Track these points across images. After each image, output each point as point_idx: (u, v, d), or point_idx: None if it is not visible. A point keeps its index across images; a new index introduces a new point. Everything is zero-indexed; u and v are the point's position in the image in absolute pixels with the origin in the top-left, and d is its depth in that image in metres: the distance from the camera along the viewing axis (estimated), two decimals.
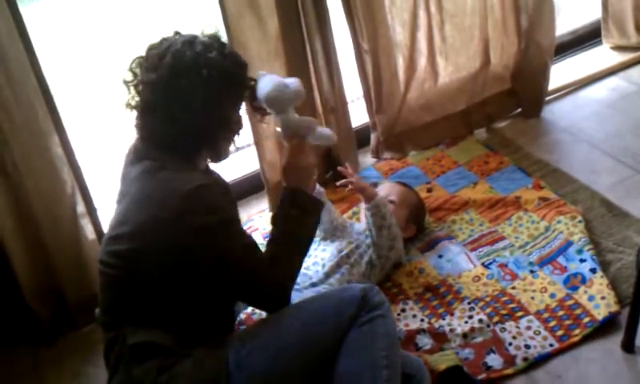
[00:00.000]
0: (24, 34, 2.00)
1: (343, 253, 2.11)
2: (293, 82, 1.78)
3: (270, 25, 2.32)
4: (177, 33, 1.69)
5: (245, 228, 2.47)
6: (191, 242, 1.55)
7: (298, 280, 2.01)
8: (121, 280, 1.62)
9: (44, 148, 2.10)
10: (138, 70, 1.66)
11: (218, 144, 1.75)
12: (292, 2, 2.31)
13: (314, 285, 2.04)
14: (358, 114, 2.79)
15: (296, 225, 1.73)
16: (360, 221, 2.35)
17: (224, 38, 1.76)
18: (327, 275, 2.07)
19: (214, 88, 1.61)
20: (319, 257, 2.14)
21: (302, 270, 2.07)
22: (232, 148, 1.80)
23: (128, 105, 1.69)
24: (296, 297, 1.94)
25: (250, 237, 1.69)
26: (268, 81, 1.76)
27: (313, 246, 2.26)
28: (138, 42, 1.72)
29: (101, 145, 3.08)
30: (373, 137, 2.78)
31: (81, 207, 2.25)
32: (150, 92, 1.63)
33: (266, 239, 1.75)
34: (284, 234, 1.72)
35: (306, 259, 2.12)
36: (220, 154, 1.78)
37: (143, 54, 1.67)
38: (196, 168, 1.70)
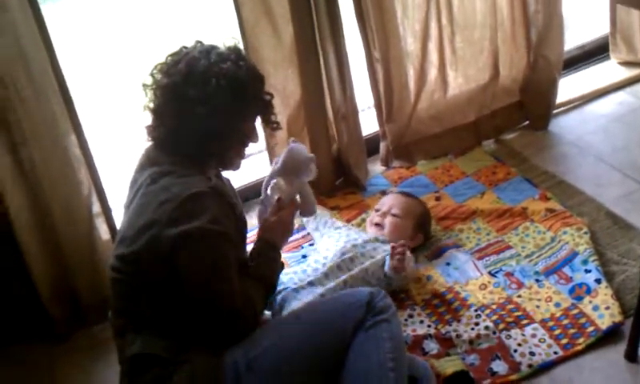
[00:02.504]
0: (45, 34, 2.03)
1: (346, 256, 2.12)
2: (313, 157, 2.00)
3: (284, 32, 2.36)
4: (198, 42, 1.73)
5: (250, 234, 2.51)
6: (176, 247, 1.56)
7: (296, 278, 2.07)
8: (124, 284, 1.65)
9: (62, 148, 2.13)
10: (157, 75, 1.71)
11: (227, 154, 1.77)
12: (306, 11, 2.35)
13: (311, 283, 2.05)
14: (369, 123, 2.82)
15: (273, 273, 1.84)
16: (367, 229, 2.37)
17: (243, 50, 1.80)
18: (326, 276, 2.07)
19: (222, 98, 1.63)
20: (322, 255, 2.16)
21: (302, 267, 2.12)
22: (243, 159, 1.83)
23: (145, 107, 1.73)
24: (293, 296, 2.00)
25: (235, 260, 1.68)
26: (297, 145, 1.99)
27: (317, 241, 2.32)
28: (157, 46, 1.77)
29: (118, 144, 3.12)
30: (382, 145, 2.81)
31: (96, 207, 2.28)
32: (162, 97, 1.68)
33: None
34: (263, 274, 1.79)
35: (308, 256, 2.17)
36: (228, 164, 1.81)
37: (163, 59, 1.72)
38: (203, 174, 1.71)
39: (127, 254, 1.62)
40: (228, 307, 1.63)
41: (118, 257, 1.65)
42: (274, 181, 1.97)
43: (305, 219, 2.46)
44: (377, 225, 2.32)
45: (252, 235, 2.50)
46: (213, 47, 1.70)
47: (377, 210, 2.37)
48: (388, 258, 2.10)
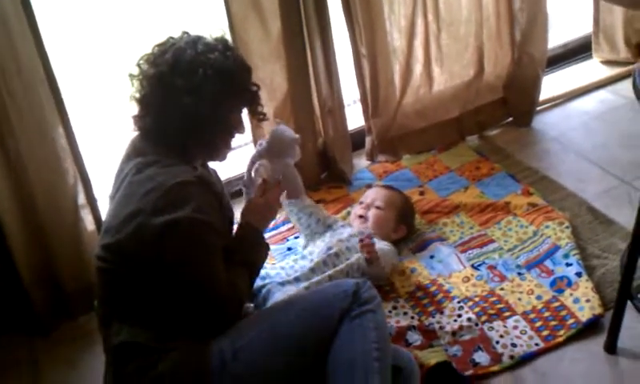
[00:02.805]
0: (34, 25, 2.02)
1: (332, 251, 2.14)
2: (298, 138, 2.03)
3: (272, 26, 2.37)
4: (184, 33, 1.73)
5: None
6: (161, 236, 1.56)
7: (283, 273, 2.08)
8: (109, 273, 1.65)
9: (49, 138, 2.12)
10: (144, 65, 1.71)
11: (214, 144, 1.77)
12: (295, 6, 2.36)
13: (297, 279, 2.06)
14: (354, 117, 2.84)
15: (257, 256, 1.84)
16: (351, 222, 2.39)
17: (230, 41, 1.80)
18: (312, 271, 2.08)
19: (209, 88, 1.63)
20: (308, 252, 2.18)
21: (289, 264, 2.14)
22: (229, 150, 1.83)
23: (131, 97, 1.73)
24: (278, 291, 2.00)
25: (221, 251, 1.68)
26: (282, 127, 2.02)
27: (302, 247, 2.33)
28: (143, 38, 1.77)
29: (104, 134, 3.10)
30: (368, 140, 2.83)
31: (82, 197, 2.27)
32: (148, 86, 1.68)
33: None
34: (247, 259, 1.79)
35: (296, 256, 2.19)
36: (214, 155, 1.81)
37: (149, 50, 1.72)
38: (189, 164, 1.71)
39: (112, 243, 1.62)
40: (213, 295, 1.63)
41: (103, 246, 1.65)
42: (260, 162, 1.98)
43: (301, 221, 2.39)
44: (360, 217, 2.34)
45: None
46: (200, 37, 1.70)
47: (361, 203, 2.40)
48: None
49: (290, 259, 2.20)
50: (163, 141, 1.69)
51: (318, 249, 2.18)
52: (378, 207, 2.33)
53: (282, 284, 2.04)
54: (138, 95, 1.71)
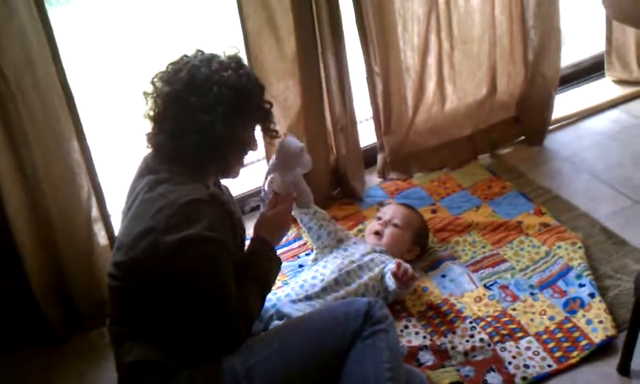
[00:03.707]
0: (51, 39, 2.04)
1: (344, 271, 2.13)
2: (303, 146, 2.04)
3: (287, 44, 2.38)
4: (198, 51, 1.75)
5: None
6: (173, 253, 1.57)
7: (294, 294, 2.06)
8: (121, 291, 1.66)
9: (64, 153, 2.14)
10: (158, 83, 1.72)
11: (227, 161, 1.78)
12: (309, 24, 2.37)
13: (308, 298, 2.05)
14: (367, 134, 2.84)
15: (268, 271, 1.83)
16: (366, 238, 2.38)
17: (244, 59, 1.80)
18: (324, 290, 2.07)
19: (223, 106, 1.64)
20: (319, 272, 2.16)
21: (300, 282, 2.12)
22: (242, 167, 1.85)
23: (146, 115, 1.74)
24: (290, 308, 1.99)
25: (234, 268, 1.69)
26: (289, 138, 2.03)
27: (311, 260, 2.31)
28: (160, 53, 1.78)
29: (118, 150, 3.12)
30: (380, 157, 2.83)
31: (95, 212, 2.28)
32: (163, 104, 1.69)
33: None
34: (258, 274, 1.79)
35: (307, 273, 2.18)
36: (228, 172, 1.83)
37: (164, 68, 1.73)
38: (201, 182, 1.72)
39: (124, 261, 1.63)
40: (224, 313, 1.63)
41: (115, 264, 1.66)
42: (271, 176, 2.00)
43: (318, 240, 2.38)
44: (376, 233, 2.33)
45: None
46: (214, 56, 1.71)
47: (378, 219, 2.39)
48: (388, 272, 2.10)
49: (300, 279, 2.17)
50: (176, 158, 1.70)
51: (329, 268, 2.15)
52: (395, 225, 2.32)
53: (294, 302, 2.03)
54: (152, 113, 1.72)
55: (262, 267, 1.82)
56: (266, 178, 2.03)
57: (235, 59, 1.73)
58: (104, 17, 3.98)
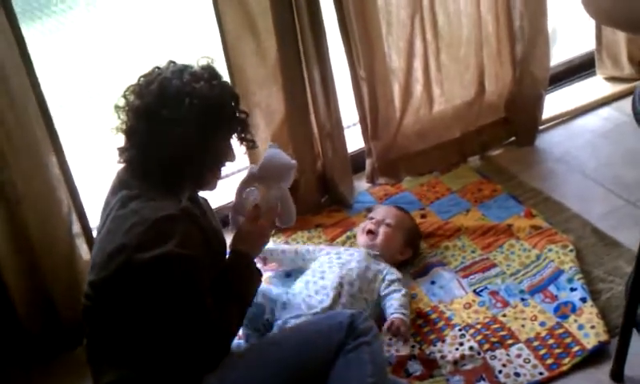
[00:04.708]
0: (26, 56, 2.01)
1: (345, 289, 2.04)
2: (294, 164, 1.95)
3: (268, 49, 2.35)
4: (170, 62, 1.71)
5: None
6: (146, 272, 1.54)
7: (304, 306, 1.99)
8: (95, 312, 1.63)
9: (42, 168, 2.11)
10: (130, 96, 1.68)
11: (201, 175, 1.74)
12: (290, 28, 2.33)
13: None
14: (354, 140, 2.81)
15: (247, 285, 1.78)
16: (358, 241, 2.35)
17: (220, 68, 1.76)
18: (331, 308, 1.98)
19: (195, 118, 1.61)
20: (319, 284, 2.07)
21: (303, 296, 2.04)
22: (219, 179, 1.80)
23: (117, 129, 1.70)
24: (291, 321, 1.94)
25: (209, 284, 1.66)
26: (277, 151, 1.95)
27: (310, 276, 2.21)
28: (136, 64, 1.74)
29: (98, 163, 3.08)
30: (368, 162, 2.80)
31: (76, 227, 2.25)
32: (134, 118, 1.65)
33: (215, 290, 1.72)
34: (236, 289, 1.73)
35: (293, 275, 2.15)
36: (203, 185, 1.79)
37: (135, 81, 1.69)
38: (174, 196, 1.68)
39: (97, 280, 1.59)
40: (200, 331, 1.60)
41: (89, 284, 1.62)
42: (251, 188, 1.93)
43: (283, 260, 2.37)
44: (369, 232, 2.29)
45: None
46: (186, 67, 1.68)
47: (371, 218, 2.35)
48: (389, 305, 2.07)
49: (303, 294, 2.05)
50: (148, 173, 1.66)
51: (330, 278, 2.07)
52: (388, 225, 2.29)
53: (298, 317, 1.95)
54: (123, 127, 1.68)
55: (241, 281, 1.77)
56: (242, 189, 1.96)
57: (208, 70, 1.69)
58: (78, 30, 3.95)
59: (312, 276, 2.12)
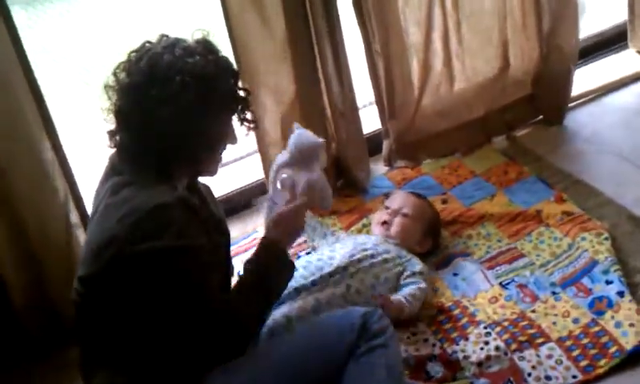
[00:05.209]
0: (14, 34, 1.95)
1: (355, 258, 1.98)
2: (323, 142, 1.90)
3: (276, 25, 2.24)
4: (162, 36, 1.58)
5: (242, 244, 2.39)
6: (140, 266, 1.44)
7: (298, 275, 1.90)
8: (86, 310, 1.54)
9: (35, 152, 2.03)
10: (120, 75, 1.55)
11: (197, 158, 1.62)
12: (299, 2, 2.23)
13: (314, 283, 1.90)
14: (370, 120, 2.71)
15: (274, 274, 1.67)
16: (372, 232, 2.24)
17: (222, 43, 1.63)
18: (330, 275, 1.92)
19: (188, 97, 1.48)
20: (327, 255, 2.01)
21: (303, 263, 1.97)
22: (219, 163, 1.69)
23: (107, 110, 1.57)
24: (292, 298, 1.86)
25: (215, 269, 1.59)
26: (302, 131, 1.89)
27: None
28: (134, 42, 1.61)
29: (97, 149, 3.01)
30: (385, 144, 2.69)
31: (74, 217, 2.18)
32: (122, 98, 1.53)
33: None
34: (261, 279, 1.62)
35: (312, 255, 2.07)
36: (200, 171, 1.67)
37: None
38: (169, 183, 1.56)
39: (86, 275, 1.49)
40: (200, 327, 1.49)
41: (78, 279, 1.52)
42: (284, 175, 1.84)
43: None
44: (384, 223, 2.18)
45: (244, 243, 2.40)
46: (178, 40, 1.54)
47: (386, 208, 2.24)
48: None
49: (304, 260, 2.01)
50: (140, 157, 1.54)
51: (340, 253, 2.01)
52: (405, 215, 2.18)
53: (298, 290, 1.88)
54: (113, 108, 1.54)
55: (268, 272, 1.65)
56: (277, 176, 1.87)
57: (204, 43, 1.55)
58: (73, 11, 3.88)
59: (321, 250, 2.08)
